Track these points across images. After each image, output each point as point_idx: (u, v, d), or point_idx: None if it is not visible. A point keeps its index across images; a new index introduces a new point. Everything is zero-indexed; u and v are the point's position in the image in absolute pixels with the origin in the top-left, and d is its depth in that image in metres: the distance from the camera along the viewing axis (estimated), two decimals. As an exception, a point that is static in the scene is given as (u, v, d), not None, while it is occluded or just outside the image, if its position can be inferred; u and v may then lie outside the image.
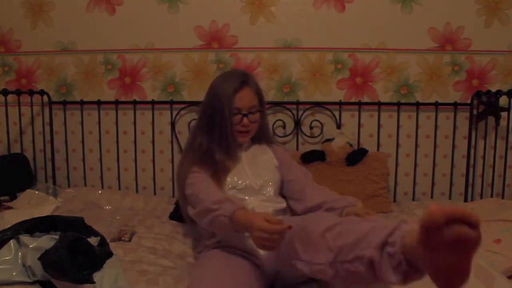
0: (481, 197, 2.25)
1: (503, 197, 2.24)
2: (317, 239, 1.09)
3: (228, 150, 1.53)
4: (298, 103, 2.29)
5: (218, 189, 1.45)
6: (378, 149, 2.30)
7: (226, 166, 1.52)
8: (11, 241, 1.27)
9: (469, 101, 2.24)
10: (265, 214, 1.19)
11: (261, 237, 1.12)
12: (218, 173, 1.50)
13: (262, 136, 1.69)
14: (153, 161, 2.38)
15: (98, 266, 1.28)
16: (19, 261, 1.25)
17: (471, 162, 2.26)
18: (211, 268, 1.26)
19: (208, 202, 1.32)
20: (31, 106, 2.35)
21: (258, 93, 1.59)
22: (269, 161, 1.64)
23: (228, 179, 1.52)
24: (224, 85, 1.52)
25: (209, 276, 1.21)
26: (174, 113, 2.34)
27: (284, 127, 2.31)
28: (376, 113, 2.30)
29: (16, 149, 2.37)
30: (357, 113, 2.30)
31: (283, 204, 1.56)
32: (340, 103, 2.28)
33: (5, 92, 2.22)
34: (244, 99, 1.52)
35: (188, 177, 1.49)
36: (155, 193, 2.40)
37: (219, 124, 1.50)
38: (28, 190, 2.08)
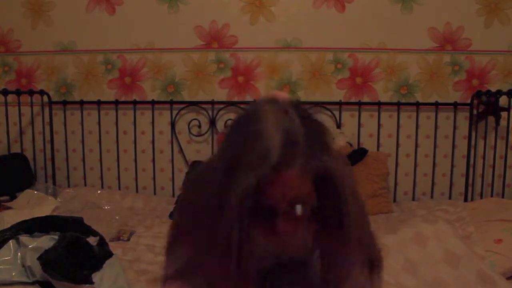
0: (481, 197, 2.24)
1: (503, 197, 2.24)
2: None
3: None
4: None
5: None
6: (378, 149, 2.30)
7: None
8: (11, 241, 1.27)
9: (469, 101, 2.24)
10: None
11: None
12: None
13: None
14: (153, 161, 2.38)
15: (98, 266, 1.28)
16: (19, 261, 1.25)
17: (471, 162, 2.26)
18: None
19: None
20: (31, 106, 2.34)
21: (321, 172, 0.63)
22: None
23: None
24: (240, 157, 0.61)
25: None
26: (174, 113, 2.34)
27: (284, 127, 2.30)
28: (376, 113, 2.30)
29: (16, 149, 2.37)
30: (357, 113, 2.30)
31: None
32: (340, 103, 2.28)
33: (5, 92, 2.22)
34: (283, 184, 0.62)
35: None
36: (155, 193, 2.39)
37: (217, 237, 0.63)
38: (27, 190, 2.08)
